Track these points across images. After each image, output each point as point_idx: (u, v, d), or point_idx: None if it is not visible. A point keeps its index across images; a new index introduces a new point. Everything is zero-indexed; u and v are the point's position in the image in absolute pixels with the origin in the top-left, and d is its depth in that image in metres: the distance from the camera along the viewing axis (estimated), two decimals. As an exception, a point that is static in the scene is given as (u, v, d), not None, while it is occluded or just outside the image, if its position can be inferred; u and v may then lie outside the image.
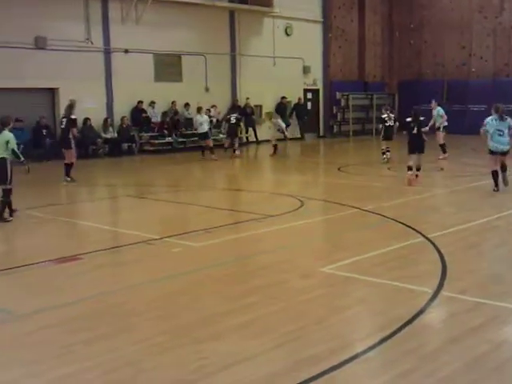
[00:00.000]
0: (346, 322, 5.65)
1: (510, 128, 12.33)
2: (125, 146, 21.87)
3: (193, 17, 23.51)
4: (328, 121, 29.46)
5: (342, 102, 29.35)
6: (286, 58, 26.75)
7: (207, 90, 24.31)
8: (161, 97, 22.67)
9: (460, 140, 23.77)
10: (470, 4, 29.18)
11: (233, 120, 21.39)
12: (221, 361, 4.77)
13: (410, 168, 13.70)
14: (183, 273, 7.24)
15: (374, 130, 29.31)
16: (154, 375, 4.59)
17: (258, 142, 25.64)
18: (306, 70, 28.23)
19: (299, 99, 27.47)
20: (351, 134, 29.33)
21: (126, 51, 21.92)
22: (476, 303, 5.95)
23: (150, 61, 22.75)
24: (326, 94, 29.38)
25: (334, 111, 29.31)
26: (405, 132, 14.15)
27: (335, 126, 29.63)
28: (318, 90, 29.25)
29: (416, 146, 13.69)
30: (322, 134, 29.52)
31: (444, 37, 30.25)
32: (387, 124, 18.27)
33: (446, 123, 19.11)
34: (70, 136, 14.81)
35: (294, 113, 27.26)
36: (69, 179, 14.84)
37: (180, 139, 23.10)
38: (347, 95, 29.28)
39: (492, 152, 12.47)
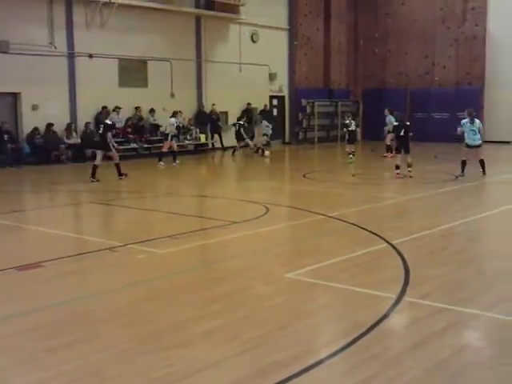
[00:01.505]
0: (310, 328, 5.67)
1: (479, 128, 16.02)
2: (88, 151, 21.62)
3: (159, 22, 23.44)
4: (293, 127, 29.65)
5: (308, 109, 29.58)
6: (252, 65, 26.86)
7: (173, 95, 24.24)
8: (125, 102, 22.51)
9: (423, 147, 24.11)
10: (434, 14, 29.72)
11: (236, 126, 23.41)
12: (187, 368, 4.75)
13: (397, 167, 16.13)
14: (148, 280, 7.19)
15: (339, 137, 29.58)
16: (118, 383, 4.55)
17: (223, 149, 25.63)
18: (271, 77, 28.38)
19: (265, 106, 27.61)
20: (316, 140, 29.56)
21: (91, 56, 21.72)
22: (438, 308, 6.04)
23: (114, 66, 22.59)
24: (291, 101, 29.58)
25: (300, 118, 29.53)
26: (392, 134, 16.88)
27: (300, 133, 29.84)
28: (283, 97, 29.44)
29: (402, 146, 16.22)
30: (287, 140, 29.69)
31: (408, 46, 30.75)
32: (350, 129, 20.48)
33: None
34: (108, 140, 16.05)
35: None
36: (122, 177, 16.29)
37: (145, 145, 22.95)
38: (312, 102, 29.52)
39: (468, 146, 16.09)
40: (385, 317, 5.81)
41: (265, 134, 23.84)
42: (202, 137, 24.76)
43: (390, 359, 4.90)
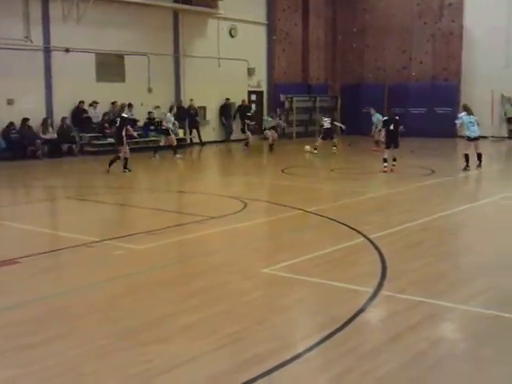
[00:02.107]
0: (287, 323, 5.68)
1: (476, 120, 16.56)
2: (65, 146, 21.42)
3: (136, 16, 23.26)
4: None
5: (286, 104, 29.56)
6: (230, 60, 26.79)
7: (150, 90, 24.09)
8: (103, 97, 22.31)
9: (400, 142, 24.22)
10: (411, 10, 29.88)
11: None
12: (165, 363, 4.74)
13: (385, 160, 16.39)
14: (126, 275, 7.15)
15: (317, 132, 29.62)
16: (96, 379, 4.52)
17: (202, 144, 25.55)
18: (250, 72, 28.33)
19: (243, 101, 27.52)
20: (295, 135, 29.57)
21: (67, 50, 21.50)
22: (415, 302, 6.09)
23: (91, 60, 22.38)
24: (270, 96, 29.56)
25: (278, 113, 29.47)
26: (383, 129, 17.22)
27: (279, 128, 29.78)
28: (262, 92, 29.40)
29: (392, 141, 16.66)
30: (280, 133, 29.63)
31: (385, 41, 30.88)
32: (325, 127, 21.62)
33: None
34: (123, 134, 16.51)
35: (238, 114, 27.30)
36: (127, 170, 16.61)
37: (123, 140, 22.77)
38: (291, 97, 29.52)
39: (469, 138, 16.60)
40: (361, 311, 5.84)
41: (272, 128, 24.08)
42: (180, 132, 24.62)
43: (366, 353, 4.93)
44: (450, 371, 4.69)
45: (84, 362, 4.78)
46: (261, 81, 29.15)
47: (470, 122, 16.54)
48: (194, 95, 25.36)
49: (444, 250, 8.54)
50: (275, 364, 4.67)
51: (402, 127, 17.15)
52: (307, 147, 21.97)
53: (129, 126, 16.78)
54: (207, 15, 25.89)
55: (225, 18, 26.55)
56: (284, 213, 10.94)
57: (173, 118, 20.72)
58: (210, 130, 26.68)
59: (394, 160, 16.60)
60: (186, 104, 25.32)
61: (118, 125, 16.72)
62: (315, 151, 21.04)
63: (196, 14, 25.38)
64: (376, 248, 8.14)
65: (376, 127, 22.27)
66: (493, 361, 4.79)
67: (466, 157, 16.61)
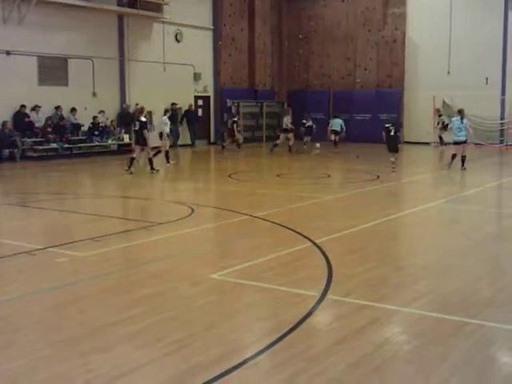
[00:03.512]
0: (235, 328, 5.66)
1: (466, 126, 17.85)
2: (6, 152, 20.85)
3: (80, 19, 22.87)
4: (219, 128, 29.59)
5: (233, 110, 29.58)
6: (176, 65, 26.67)
7: (95, 94, 23.74)
8: (45, 101, 21.84)
9: (345, 148, 24.62)
10: (355, 17, 30.41)
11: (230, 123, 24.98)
12: (108, 373, 4.64)
13: (392, 162, 17.94)
14: (69, 283, 6.99)
15: (264, 138, 29.78)
16: (35, 391, 4.40)
17: (148, 149, 25.27)
18: (196, 77, 28.26)
19: (190, 106, 27.44)
20: (242, 141, 29.55)
21: (8, 53, 20.97)
22: (360, 305, 6.17)
23: (33, 63, 21.89)
24: (216, 101, 29.54)
25: (225, 118, 29.50)
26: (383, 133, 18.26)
27: (225, 133, 29.79)
28: (208, 97, 29.35)
29: (392, 145, 17.99)
30: (212, 140, 29.62)
31: (331, 48, 31.33)
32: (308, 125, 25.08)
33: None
34: (145, 135, 17.25)
35: (185, 119, 27.19)
36: (154, 170, 17.63)
37: (66, 145, 22.32)
38: (238, 103, 29.57)
39: (455, 142, 18.14)
40: (309, 315, 5.88)
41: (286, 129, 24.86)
42: (126, 137, 24.33)
43: (314, 356, 4.96)
44: (395, 372, 4.77)
45: (24, 375, 4.64)
46: (207, 86, 29.09)
47: (458, 128, 17.87)
48: (139, 100, 25.05)
49: (387, 253, 8.69)
50: (224, 370, 4.65)
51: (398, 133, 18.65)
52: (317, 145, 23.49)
53: (145, 130, 17.41)
54: (152, 19, 25.70)
55: (170, 23, 26.41)
56: (231, 218, 10.92)
57: (168, 122, 20.35)
58: (156, 135, 26.37)
59: (393, 163, 18.03)
60: (131, 109, 24.98)
61: (137, 128, 17.55)
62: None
63: (141, 18, 25.15)
64: (322, 252, 8.21)
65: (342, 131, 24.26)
66: (436, 361, 4.89)
67: (453, 157, 18.08)
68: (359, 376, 4.63)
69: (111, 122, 24.18)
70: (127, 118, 24.71)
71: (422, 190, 15.89)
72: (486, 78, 27.57)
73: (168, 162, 19.57)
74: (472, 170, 18.74)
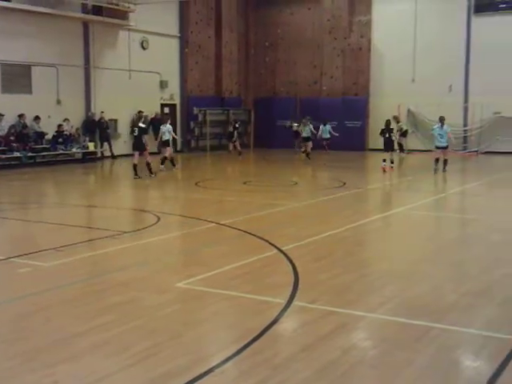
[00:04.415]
0: (201, 337, 5.63)
1: (447, 132, 19.25)
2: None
3: (44, 27, 22.60)
4: (185, 136, 29.52)
5: (200, 117, 29.55)
6: (142, 72, 26.51)
7: (59, 102, 23.44)
8: (8, 109, 21.44)
9: (313, 155, 24.76)
10: (321, 25, 30.66)
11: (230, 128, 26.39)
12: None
13: (384, 160, 19.68)
14: (32, 294, 6.87)
15: (230, 145, 29.74)
16: (-3, 405, 4.31)
17: (113, 157, 25.08)
18: (163, 85, 28.15)
19: (156, 114, 27.26)
20: (208, 149, 29.59)
21: (-30, 60, 20.62)
22: (326, 311, 6.19)
23: (-4, 71, 21.54)
24: (183, 109, 29.45)
25: (192, 126, 29.45)
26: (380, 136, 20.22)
27: (192, 141, 29.75)
28: (175, 105, 29.25)
29: (387, 146, 20.00)
30: (179, 148, 29.48)
31: (297, 55, 31.53)
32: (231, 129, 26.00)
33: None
34: (144, 141, 17.95)
35: (151, 127, 26.98)
36: (153, 175, 18.26)
37: (29, 154, 21.97)
38: (204, 110, 29.53)
39: (437, 147, 19.45)
40: (275, 322, 5.88)
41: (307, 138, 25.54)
42: (91, 145, 24.08)
43: (280, 363, 4.96)
44: (361, 378, 4.80)
45: (-13, 387, 4.55)
46: (174, 94, 29.00)
47: (440, 134, 19.27)
48: (104, 107, 24.89)
49: (353, 260, 8.75)
50: (190, 378, 4.63)
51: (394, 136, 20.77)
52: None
53: (144, 136, 18.18)
54: (118, 27, 25.51)
55: (136, 30, 26.26)
56: (197, 226, 10.88)
57: (168, 128, 20.60)
58: (122, 143, 26.25)
59: (392, 162, 19.86)
60: (96, 117, 24.80)
61: (136, 134, 18.28)
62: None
63: (107, 26, 24.94)
64: (289, 260, 8.23)
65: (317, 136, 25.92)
66: (402, 366, 4.93)
67: (437, 161, 19.27)
68: (325, 382, 4.65)
69: (76, 129, 23.89)
70: (93, 126, 24.52)
71: (387, 197, 16.08)
72: (450, 86, 28.06)
73: (174, 166, 20.54)
74: (437, 176, 19.02)
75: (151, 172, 18.27)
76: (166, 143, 20.49)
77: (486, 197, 15.57)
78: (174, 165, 20.52)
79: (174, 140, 22.37)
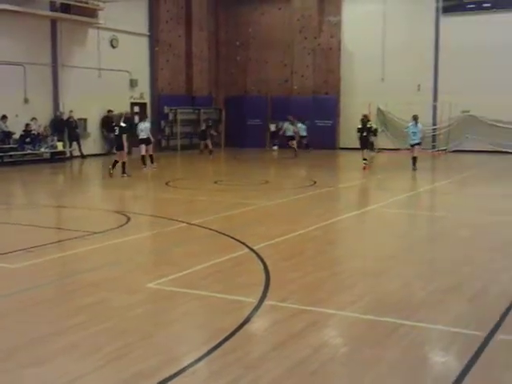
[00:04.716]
0: (172, 337, 5.62)
1: (420, 130, 20.27)
2: None
3: (11, 25, 22.25)
4: (156, 135, 29.31)
5: (170, 116, 29.40)
6: (111, 71, 26.28)
7: (27, 101, 23.11)
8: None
9: (284, 153, 24.84)
10: (292, 24, 30.73)
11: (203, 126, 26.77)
12: (43, 386, 4.54)
13: (365, 159, 20.22)
14: (1, 296, 6.76)
15: (202, 144, 29.65)
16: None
17: (83, 157, 24.82)
18: (133, 84, 27.93)
19: (126, 113, 26.93)
20: (179, 148, 29.46)
21: None
22: (297, 310, 6.22)
23: (-40, 69, 21.16)
24: (153, 108, 29.26)
25: (162, 125, 29.27)
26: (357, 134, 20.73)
27: (163, 141, 29.57)
28: (145, 104, 29.05)
29: (364, 144, 20.47)
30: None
31: (268, 54, 31.56)
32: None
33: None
34: (123, 140, 17.87)
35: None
36: (125, 175, 18.02)
37: (-4, 153, 21.63)
38: (175, 109, 29.39)
39: (411, 145, 20.17)
40: (247, 321, 5.88)
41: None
42: (60, 144, 23.78)
43: (252, 362, 4.96)
44: (332, 375, 4.83)
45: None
46: (144, 93, 28.79)
47: (413, 132, 20.08)
48: (73, 106, 24.60)
49: (324, 258, 8.79)
50: (161, 379, 4.62)
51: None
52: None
53: (125, 135, 18.02)
54: (87, 25, 25.24)
55: (105, 28, 26.02)
56: (168, 226, 10.83)
57: (147, 125, 21.02)
58: (91, 143, 25.99)
59: (370, 159, 20.66)
60: (65, 116, 24.51)
61: (117, 133, 18.16)
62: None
63: (75, 24, 24.66)
64: (260, 259, 8.24)
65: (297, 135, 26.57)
66: (372, 363, 4.98)
67: (413, 160, 19.88)
68: (296, 380, 4.67)
69: (45, 128, 23.56)
70: (61, 125, 24.22)
71: (358, 195, 16.21)
72: (419, 85, 28.37)
73: (144, 165, 20.42)
74: (406, 175, 19.23)
75: (124, 172, 18.15)
76: (142, 141, 20.45)
77: (456, 195, 15.79)
78: (144, 164, 20.37)
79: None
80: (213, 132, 26.94)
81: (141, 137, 20.53)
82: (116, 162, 18.26)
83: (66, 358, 5.09)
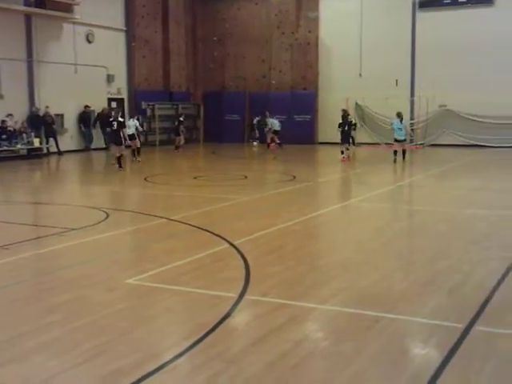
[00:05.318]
0: (152, 333, 5.57)
1: (405, 126, 21.15)
2: None
3: (-16, 19, 21.93)
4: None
5: (148, 112, 29.22)
6: (88, 66, 26.03)
7: (2, 97, 22.82)
8: None
9: (263, 149, 24.84)
10: (269, 20, 30.70)
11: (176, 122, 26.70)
12: (20, 385, 4.47)
13: (342, 152, 21.20)
14: (-24, 294, 6.67)
15: (177, 140, 29.54)
16: None
17: (60, 153, 24.56)
18: (109, 79, 27.71)
19: (103, 108, 26.83)
20: (158, 143, 29.31)
21: None
22: (278, 304, 6.21)
23: None
24: (131, 104, 29.05)
25: (140, 121, 29.03)
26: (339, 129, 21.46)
27: (141, 136, 29.34)
28: (122, 99, 28.83)
29: (344, 138, 21.38)
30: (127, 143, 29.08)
31: (245, 50, 31.50)
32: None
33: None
34: (121, 134, 18.56)
35: (98, 122, 26.58)
36: (121, 169, 18.52)
37: (-28, 150, 21.37)
38: (153, 105, 29.23)
39: (396, 140, 20.93)
40: (227, 316, 5.86)
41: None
42: (36, 141, 23.50)
43: (233, 357, 4.95)
44: (313, 369, 4.82)
45: None
46: (121, 88, 28.57)
47: (399, 128, 20.79)
48: (49, 102, 24.32)
49: (304, 252, 8.79)
50: (141, 375, 4.58)
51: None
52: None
53: (123, 129, 18.81)
54: (62, 19, 24.97)
55: (81, 23, 25.76)
56: (147, 222, 10.76)
57: (135, 123, 22.10)
58: (68, 139, 25.74)
59: (342, 153, 21.14)
60: (41, 112, 24.23)
61: (115, 128, 18.70)
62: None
63: (50, 19, 24.37)
64: (240, 254, 8.22)
65: (269, 129, 26.73)
66: (352, 356, 4.99)
67: (395, 153, 20.56)
68: (277, 374, 4.66)
69: (22, 124, 23.26)
70: (37, 121, 23.95)
71: (337, 190, 16.25)
72: (396, 80, 28.50)
73: (137, 157, 21.37)
74: (384, 169, 19.33)
75: (120, 166, 18.50)
76: (131, 137, 20.68)
77: (433, 188, 15.90)
78: (134, 156, 21.27)
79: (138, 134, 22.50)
80: (182, 128, 26.73)
81: (129, 133, 20.64)
82: (119, 157, 18.59)
83: (45, 354, 5.03)
